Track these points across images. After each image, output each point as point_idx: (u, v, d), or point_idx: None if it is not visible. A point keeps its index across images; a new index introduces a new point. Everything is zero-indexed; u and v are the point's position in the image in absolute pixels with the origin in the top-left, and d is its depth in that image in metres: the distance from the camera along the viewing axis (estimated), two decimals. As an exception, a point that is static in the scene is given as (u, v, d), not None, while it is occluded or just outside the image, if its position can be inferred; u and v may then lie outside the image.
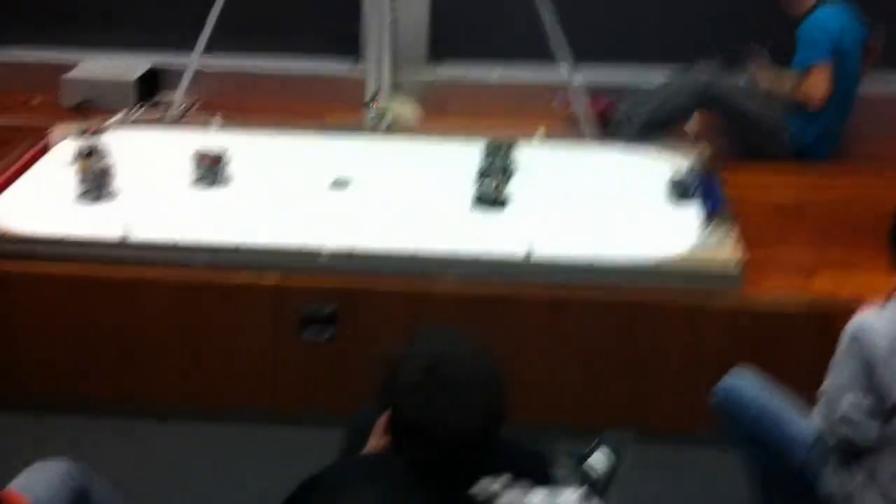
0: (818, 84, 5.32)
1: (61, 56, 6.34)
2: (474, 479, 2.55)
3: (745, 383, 3.51)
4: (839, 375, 3.20)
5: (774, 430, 3.40)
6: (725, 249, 4.21)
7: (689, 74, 5.57)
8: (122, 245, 4.26)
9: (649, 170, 4.90)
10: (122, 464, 3.89)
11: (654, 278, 4.14)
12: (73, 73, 6.25)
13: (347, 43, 6.21)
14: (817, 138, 5.48)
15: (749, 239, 4.32)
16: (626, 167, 5.01)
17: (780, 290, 4.19)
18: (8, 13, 6.41)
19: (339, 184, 4.74)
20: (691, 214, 4.49)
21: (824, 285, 4.22)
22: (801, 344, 4.01)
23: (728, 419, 3.52)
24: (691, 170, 4.72)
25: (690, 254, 4.20)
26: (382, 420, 2.65)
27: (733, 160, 5.16)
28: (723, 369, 3.64)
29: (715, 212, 4.43)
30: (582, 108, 5.42)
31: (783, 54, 5.46)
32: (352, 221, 4.45)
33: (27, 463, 3.11)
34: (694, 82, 5.54)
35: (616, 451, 3.15)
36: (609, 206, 4.62)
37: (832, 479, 3.26)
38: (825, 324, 3.72)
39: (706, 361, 4.00)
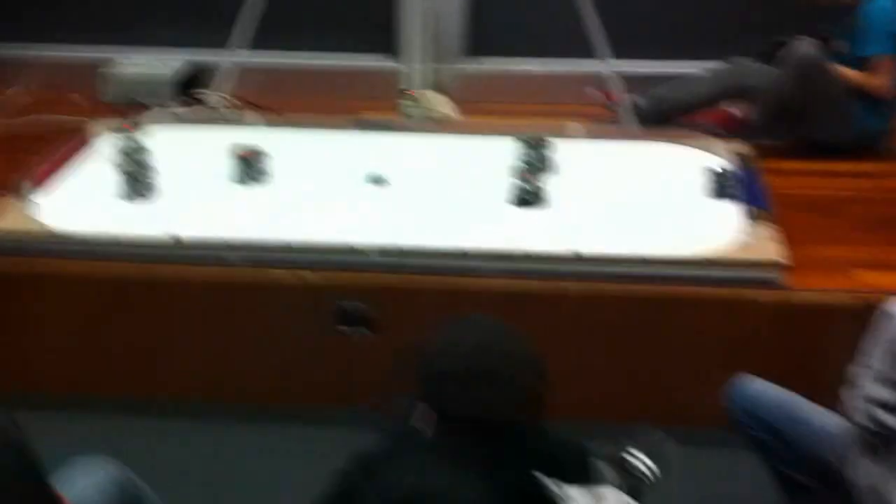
0: (885, 75, 5.22)
1: (102, 53, 6.32)
2: (517, 465, 2.52)
3: (758, 384, 3.44)
4: (869, 357, 3.12)
5: (796, 426, 3.33)
6: (766, 244, 4.15)
7: (733, 65, 5.48)
8: (163, 243, 4.24)
9: (689, 163, 4.84)
10: (159, 464, 3.87)
11: (695, 274, 4.08)
12: (113, 70, 6.23)
13: (384, 37, 6.16)
14: (880, 128, 5.35)
15: (790, 233, 4.25)
16: (665, 160, 4.97)
17: (822, 284, 4.11)
18: (48, 11, 6.40)
19: (377, 180, 4.71)
20: (731, 209, 4.43)
21: (866, 280, 4.14)
22: (843, 339, 3.94)
23: (747, 419, 3.44)
24: (731, 164, 4.67)
25: (731, 249, 4.14)
26: None
27: (778, 152, 5.08)
28: (765, 365, 3.60)
29: (755, 206, 4.37)
30: (620, 98, 5.36)
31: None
32: (390, 217, 4.42)
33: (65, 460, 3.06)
34: (731, 72, 5.45)
35: (654, 449, 3.12)
36: (648, 201, 4.57)
37: (857, 471, 3.17)
38: (867, 319, 3.66)
39: (749, 357, 3.93)
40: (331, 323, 4.16)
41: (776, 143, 5.24)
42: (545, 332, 3.89)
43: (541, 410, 2.59)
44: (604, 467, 2.83)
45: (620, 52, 5.39)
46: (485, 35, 6.27)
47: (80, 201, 4.53)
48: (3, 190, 4.54)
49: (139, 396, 4.30)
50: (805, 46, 5.21)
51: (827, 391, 3.30)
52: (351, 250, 4.18)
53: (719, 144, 5.00)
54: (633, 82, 5.47)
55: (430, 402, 2.58)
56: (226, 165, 4.71)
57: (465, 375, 2.53)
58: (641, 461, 2.95)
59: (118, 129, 4.90)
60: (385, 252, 4.17)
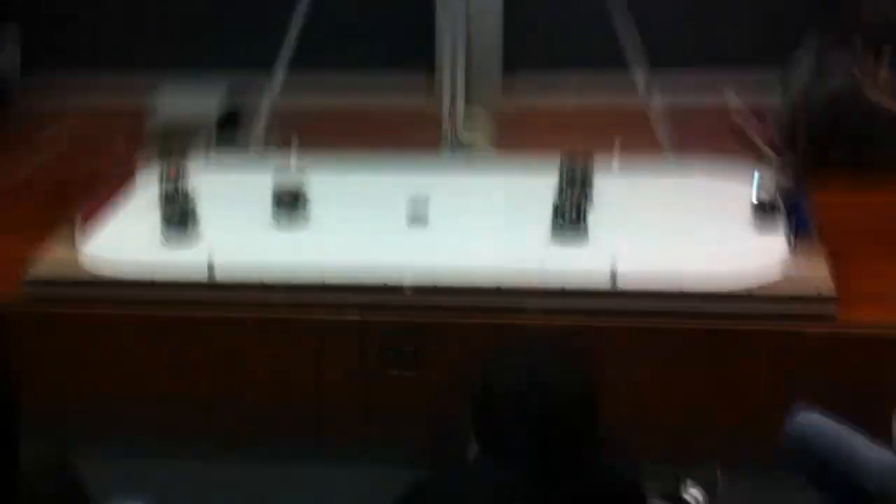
0: None
1: (143, 97, 6.31)
2: (572, 501, 2.48)
3: (816, 418, 3.35)
4: None
5: (853, 461, 3.23)
6: (814, 276, 4.06)
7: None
8: (206, 285, 4.22)
9: (733, 195, 4.74)
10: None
11: (743, 305, 4.00)
12: (154, 114, 6.21)
13: (423, 76, 6.12)
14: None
15: (841, 264, 4.17)
16: (707, 189, 4.87)
17: (874, 317, 4.02)
18: (91, 55, 6.42)
19: (417, 218, 4.65)
20: (778, 238, 4.33)
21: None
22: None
23: (804, 453, 3.35)
24: (777, 194, 4.58)
25: (778, 282, 4.05)
26: None
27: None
28: (816, 399, 3.52)
29: (804, 235, 4.27)
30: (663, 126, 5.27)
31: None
32: (432, 255, 4.34)
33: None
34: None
35: (709, 485, 3.06)
36: (692, 230, 4.47)
37: None
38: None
39: (797, 389, 3.85)
40: (374, 362, 4.12)
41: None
42: (590, 365, 3.90)
43: (596, 445, 2.54)
44: (659, 504, 2.79)
45: (660, 70, 5.35)
46: (524, 71, 6.22)
47: (122, 245, 4.50)
48: (45, 234, 4.52)
49: (181, 436, 4.28)
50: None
51: (880, 426, 3.23)
52: (391, 289, 4.14)
53: (765, 174, 4.90)
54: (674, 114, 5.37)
55: (483, 437, 2.55)
56: (266, 207, 4.67)
57: (519, 409, 2.49)
58: (696, 497, 2.91)
59: (159, 173, 4.88)
60: (426, 290, 4.13)
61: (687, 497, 3.01)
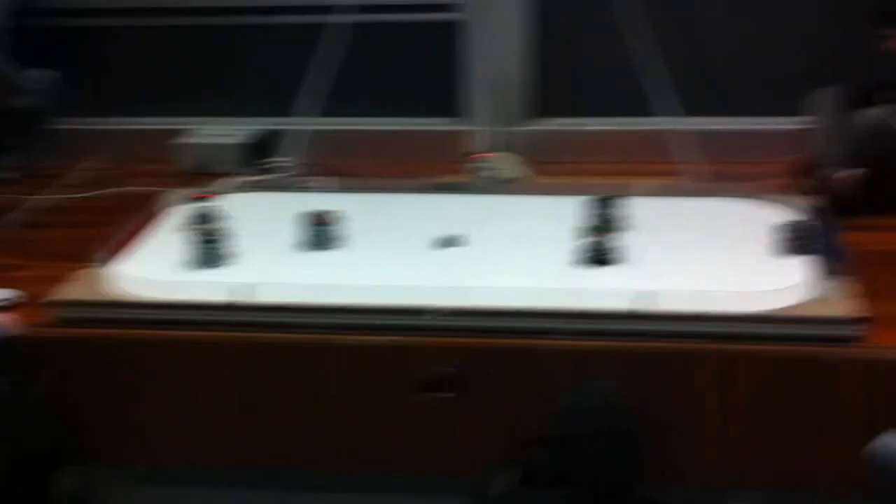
0: None
1: (174, 123, 6.34)
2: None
3: None
4: None
5: None
6: (843, 299, 4.02)
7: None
8: (235, 308, 4.20)
9: (762, 218, 4.73)
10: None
11: (770, 327, 3.97)
12: (185, 140, 6.24)
13: (452, 100, 6.13)
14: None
15: (873, 288, 4.13)
16: (735, 217, 4.86)
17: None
18: (121, 84, 6.44)
19: (449, 242, 4.64)
20: (807, 264, 4.30)
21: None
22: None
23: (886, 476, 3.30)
24: (806, 218, 4.56)
25: (806, 306, 4.02)
26: None
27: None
28: (848, 423, 3.49)
29: (832, 260, 4.24)
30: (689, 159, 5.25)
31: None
32: (464, 278, 4.33)
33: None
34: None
35: None
36: (720, 257, 4.45)
37: None
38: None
39: (829, 415, 3.87)
40: (410, 386, 4.09)
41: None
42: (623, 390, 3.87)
43: (659, 472, 2.52)
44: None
45: (688, 107, 5.33)
46: (551, 95, 6.22)
47: (154, 269, 4.48)
48: (80, 260, 4.52)
49: (214, 464, 4.27)
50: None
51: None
52: (421, 311, 4.11)
53: (793, 198, 4.89)
54: (702, 138, 5.35)
55: (541, 465, 2.53)
56: (298, 231, 4.66)
57: (584, 438, 2.48)
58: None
59: (191, 198, 4.88)
60: (456, 313, 4.10)
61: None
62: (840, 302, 4.02)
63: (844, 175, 4.93)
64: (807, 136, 5.33)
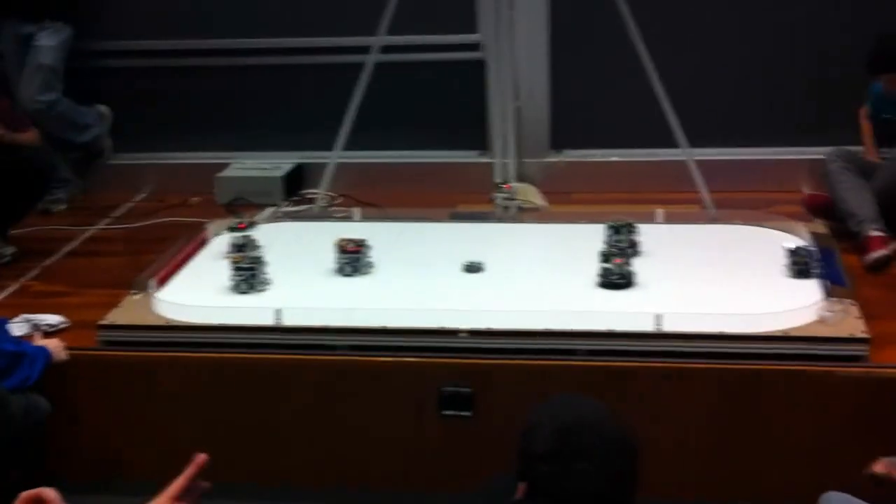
0: None
1: (215, 158, 6.41)
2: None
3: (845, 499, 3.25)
4: None
5: None
6: (846, 320, 4.03)
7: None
8: (273, 330, 4.22)
9: (768, 243, 4.75)
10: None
11: (779, 346, 3.97)
12: (225, 173, 6.30)
13: (477, 135, 6.17)
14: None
15: (873, 310, 4.15)
16: (745, 241, 4.87)
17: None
18: (166, 121, 6.50)
19: (473, 267, 4.67)
20: (811, 286, 4.31)
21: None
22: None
23: None
24: (809, 243, 4.60)
25: (812, 325, 4.02)
26: None
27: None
28: (846, 441, 3.48)
29: (834, 283, 4.27)
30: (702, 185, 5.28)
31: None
32: (486, 302, 4.34)
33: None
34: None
35: None
36: (730, 281, 4.46)
37: None
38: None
39: (830, 433, 3.87)
40: (432, 405, 4.10)
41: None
42: (635, 407, 3.90)
43: (634, 489, 2.51)
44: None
45: (698, 140, 5.36)
46: (570, 128, 6.26)
47: (196, 295, 4.51)
48: (125, 287, 4.57)
49: (244, 481, 4.24)
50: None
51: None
52: (447, 333, 4.13)
53: (798, 225, 4.92)
54: (710, 169, 5.40)
55: (527, 481, 2.53)
56: (331, 258, 4.69)
57: (556, 454, 2.47)
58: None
59: (232, 228, 4.94)
60: (478, 333, 4.11)
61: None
62: (844, 322, 4.03)
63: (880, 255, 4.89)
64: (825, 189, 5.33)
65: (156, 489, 3.57)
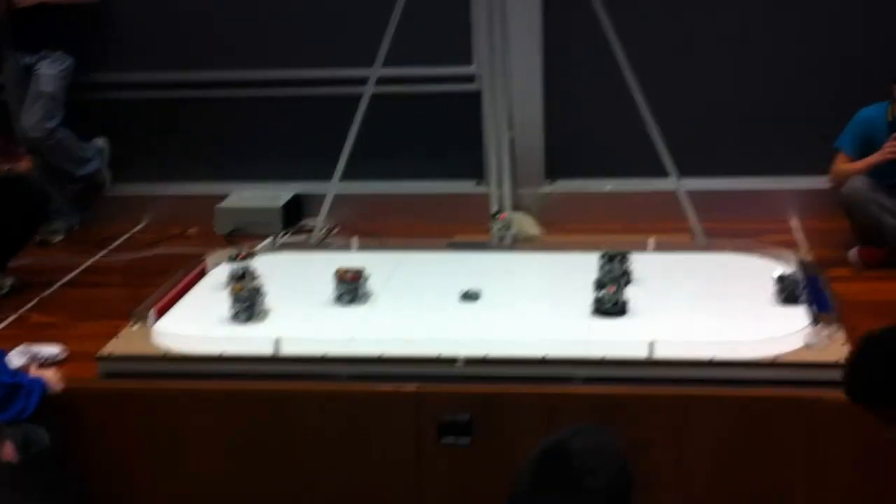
0: None
1: (214, 189, 6.41)
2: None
3: None
4: None
5: None
6: (833, 346, 4.04)
7: None
8: (273, 360, 4.21)
9: (757, 271, 4.77)
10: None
11: (768, 372, 3.98)
12: (224, 204, 6.30)
13: (471, 164, 6.18)
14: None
15: (856, 337, 4.12)
16: (735, 269, 4.90)
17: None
18: (165, 153, 6.53)
19: (469, 296, 4.67)
20: (799, 313, 4.33)
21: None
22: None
23: None
24: (797, 270, 4.61)
25: (800, 351, 4.04)
26: None
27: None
28: (835, 462, 3.45)
29: (822, 310, 4.28)
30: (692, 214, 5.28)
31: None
32: (483, 330, 4.35)
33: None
34: None
35: None
36: (719, 307, 4.48)
37: None
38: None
39: (823, 455, 3.86)
40: (431, 433, 4.08)
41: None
42: (634, 433, 3.90)
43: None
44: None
45: (687, 170, 5.38)
46: (563, 159, 6.27)
47: (195, 325, 4.51)
48: (124, 318, 4.55)
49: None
50: None
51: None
52: (443, 361, 4.13)
53: (785, 252, 4.92)
54: (701, 198, 5.40)
55: None
56: (329, 288, 4.70)
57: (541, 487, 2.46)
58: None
59: (231, 258, 4.93)
60: (475, 361, 4.11)
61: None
62: (830, 347, 4.05)
63: None
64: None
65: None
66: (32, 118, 6.05)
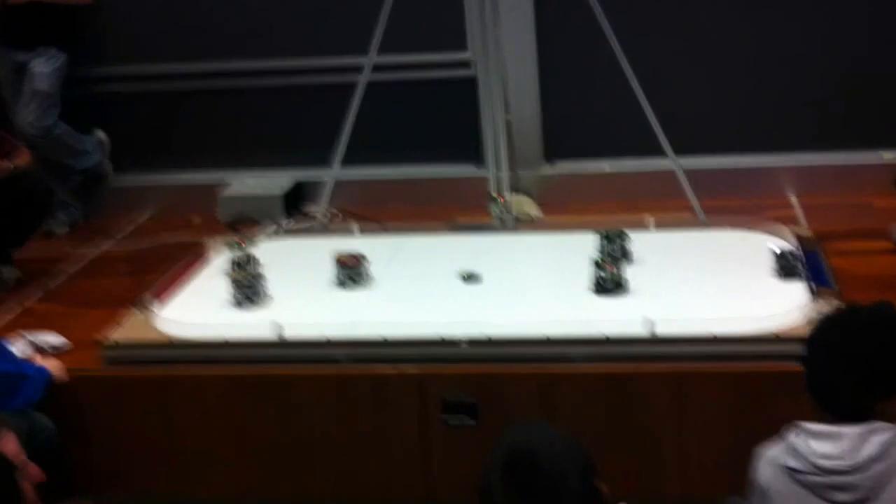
0: None
1: (216, 177, 6.39)
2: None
3: None
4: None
5: None
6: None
7: None
8: (275, 345, 4.21)
9: (755, 247, 4.74)
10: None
11: (765, 350, 3.97)
12: (226, 192, 6.29)
13: (469, 148, 6.16)
14: None
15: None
16: (733, 247, 4.87)
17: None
18: (166, 144, 6.52)
19: (470, 277, 4.65)
20: (797, 288, 4.31)
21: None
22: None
23: None
24: (795, 246, 4.60)
25: (798, 326, 4.00)
26: None
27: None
28: None
29: (820, 285, 4.27)
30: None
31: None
32: (484, 312, 4.35)
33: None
34: None
35: None
36: (719, 284, 4.46)
37: None
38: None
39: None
40: (434, 414, 4.09)
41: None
42: (634, 410, 3.88)
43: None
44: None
45: (685, 148, 5.35)
46: (561, 140, 6.25)
47: (198, 312, 4.51)
48: (127, 306, 4.55)
49: (251, 495, 4.27)
50: None
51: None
52: (445, 343, 4.12)
53: (784, 228, 4.90)
54: (700, 176, 5.37)
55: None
56: (330, 272, 4.68)
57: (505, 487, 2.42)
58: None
59: (231, 245, 4.91)
60: (478, 343, 4.11)
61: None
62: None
63: None
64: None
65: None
66: (29, 116, 6.03)
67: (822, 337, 3.04)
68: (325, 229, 5.56)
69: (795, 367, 3.86)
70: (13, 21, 5.98)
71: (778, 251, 4.51)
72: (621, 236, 4.72)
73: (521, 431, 2.58)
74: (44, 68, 6.04)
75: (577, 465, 2.45)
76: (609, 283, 4.42)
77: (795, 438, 2.94)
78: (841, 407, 2.89)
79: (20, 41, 6.04)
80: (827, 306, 4.07)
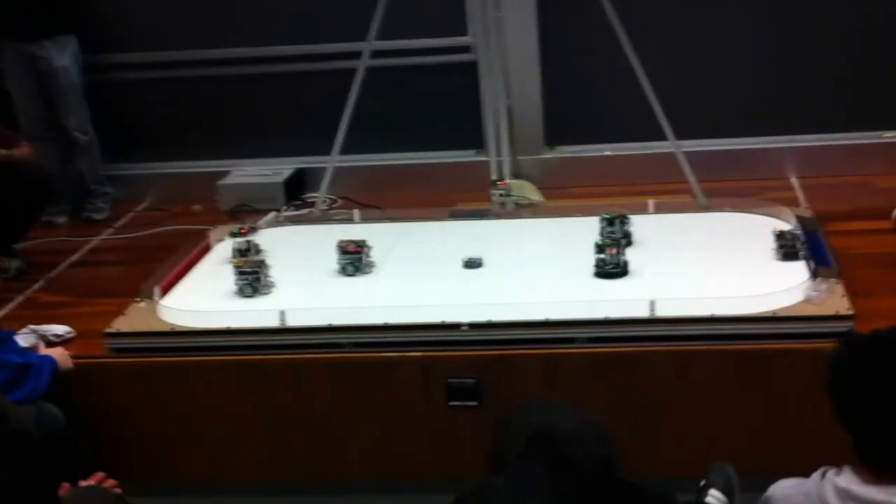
0: None
1: (216, 166, 6.43)
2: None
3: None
4: None
5: None
6: (832, 299, 4.07)
7: None
8: (279, 331, 4.24)
9: (757, 228, 4.78)
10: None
11: (769, 326, 4.01)
12: (227, 180, 6.32)
13: (471, 133, 6.18)
14: None
15: (857, 287, 4.19)
16: (733, 228, 4.91)
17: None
18: (167, 132, 6.54)
19: (473, 263, 4.69)
20: (799, 268, 4.35)
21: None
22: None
23: None
24: (796, 226, 4.62)
25: (800, 305, 4.06)
26: None
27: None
28: None
29: (821, 264, 4.30)
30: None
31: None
32: (486, 296, 4.37)
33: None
34: None
35: (726, 485, 3.04)
36: (720, 265, 4.49)
37: None
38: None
39: (824, 406, 3.83)
40: (438, 397, 4.12)
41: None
42: (636, 390, 3.92)
43: (615, 471, 2.51)
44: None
45: (686, 131, 5.38)
46: (562, 124, 6.28)
47: (202, 301, 4.54)
48: (131, 296, 4.59)
49: (257, 480, 4.30)
50: None
51: None
52: (450, 327, 4.15)
53: (784, 210, 4.94)
54: (701, 159, 5.40)
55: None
56: (333, 259, 4.71)
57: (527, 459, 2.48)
58: (717, 498, 2.90)
59: (234, 233, 4.94)
60: (482, 327, 4.14)
61: (709, 500, 2.98)
62: (829, 301, 4.07)
63: None
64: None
65: (169, 491, 3.58)
66: (79, 121, 6.12)
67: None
68: (326, 216, 5.59)
69: (795, 345, 3.94)
70: (17, 12, 5.97)
71: (778, 232, 4.55)
72: (622, 219, 4.75)
73: (546, 407, 2.63)
74: (65, 61, 6.04)
75: (602, 445, 2.51)
76: (610, 266, 4.45)
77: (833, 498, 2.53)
78: None
79: (24, 32, 6.02)
80: (826, 285, 4.11)
